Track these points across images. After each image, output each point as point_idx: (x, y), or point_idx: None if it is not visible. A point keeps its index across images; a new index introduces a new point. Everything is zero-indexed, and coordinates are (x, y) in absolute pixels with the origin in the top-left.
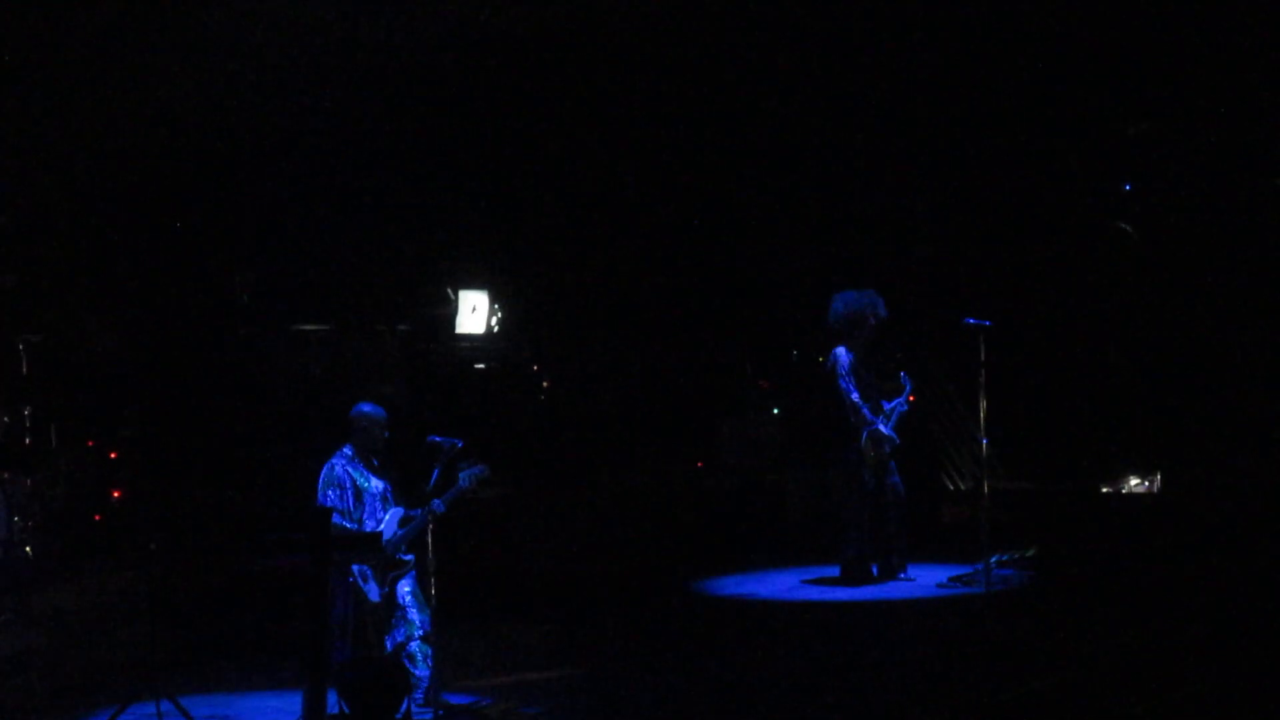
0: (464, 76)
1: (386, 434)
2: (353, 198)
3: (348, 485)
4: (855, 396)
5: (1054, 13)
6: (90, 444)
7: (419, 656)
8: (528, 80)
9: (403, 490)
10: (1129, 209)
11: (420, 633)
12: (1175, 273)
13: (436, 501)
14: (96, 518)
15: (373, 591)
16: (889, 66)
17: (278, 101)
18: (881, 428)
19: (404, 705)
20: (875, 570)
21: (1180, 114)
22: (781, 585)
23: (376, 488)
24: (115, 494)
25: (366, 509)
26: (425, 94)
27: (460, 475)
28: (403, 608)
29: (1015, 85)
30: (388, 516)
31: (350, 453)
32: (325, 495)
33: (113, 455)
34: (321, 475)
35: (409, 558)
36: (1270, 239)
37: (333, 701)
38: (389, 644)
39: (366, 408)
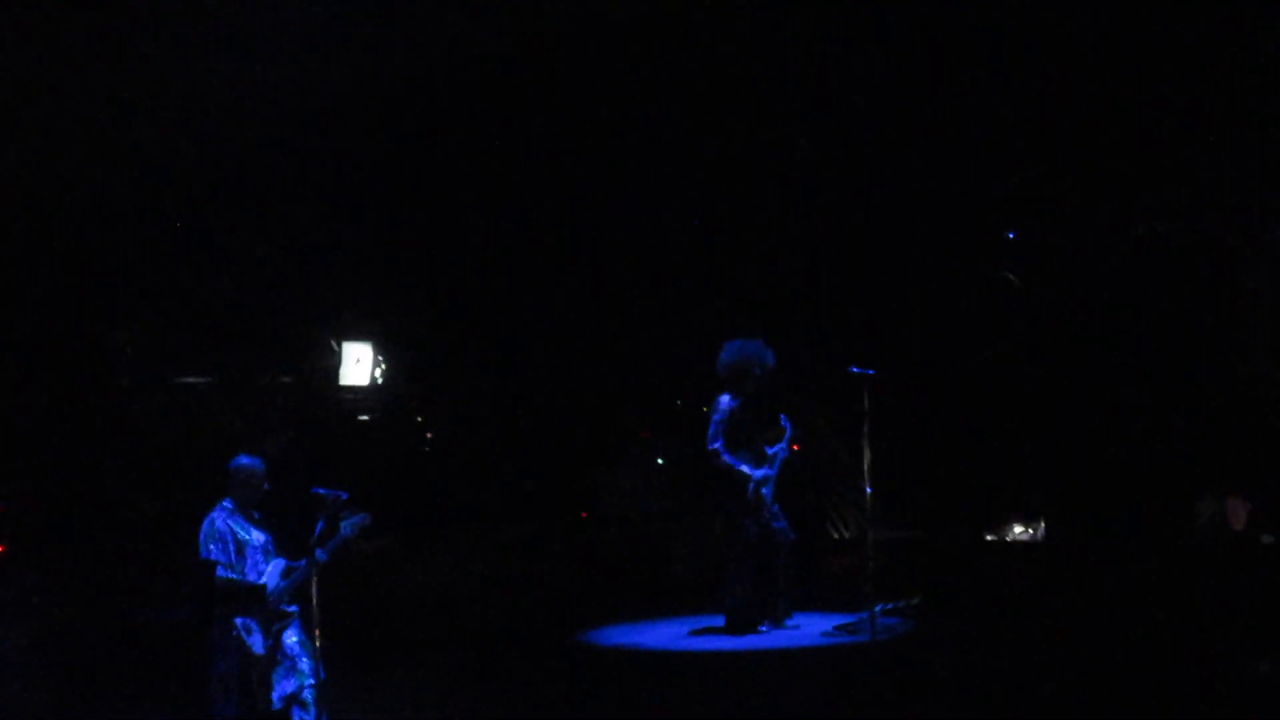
0: (344, 126)
1: (266, 486)
2: (235, 249)
3: (229, 539)
4: (717, 445)
5: (938, 62)
6: None
7: (310, 704)
8: (408, 129)
9: (286, 541)
10: (1013, 258)
11: (311, 681)
12: (1059, 321)
13: (319, 551)
14: None
15: (257, 644)
16: (773, 116)
17: (156, 152)
18: (763, 473)
19: None
20: (761, 619)
21: (1064, 161)
22: (667, 635)
23: (257, 540)
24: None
25: (248, 561)
26: (305, 145)
27: (342, 525)
28: (291, 657)
29: (899, 132)
30: (270, 568)
31: (230, 505)
32: (207, 549)
33: None
34: (202, 529)
35: (293, 609)
36: (1151, 285)
37: None
38: (276, 696)
39: (245, 460)
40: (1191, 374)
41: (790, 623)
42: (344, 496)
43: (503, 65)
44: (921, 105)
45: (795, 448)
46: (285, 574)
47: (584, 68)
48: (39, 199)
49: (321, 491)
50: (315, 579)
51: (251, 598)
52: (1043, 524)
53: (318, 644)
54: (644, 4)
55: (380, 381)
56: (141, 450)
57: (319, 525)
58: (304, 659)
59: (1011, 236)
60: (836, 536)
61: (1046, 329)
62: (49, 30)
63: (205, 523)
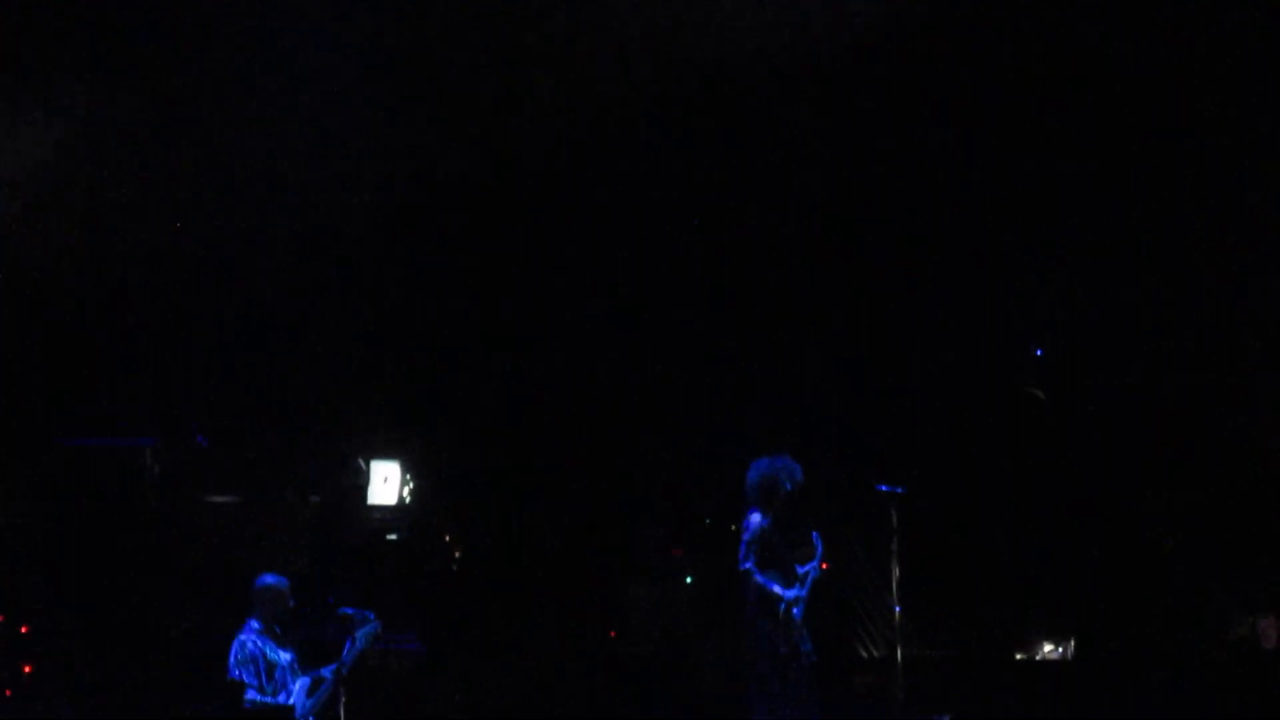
0: (372, 244)
1: (291, 603)
2: (263, 367)
3: (260, 660)
4: (749, 565)
5: (962, 168)
6: (1, 619)
7: None
8: (435, 250)
9: (311, 655)
10: (1041, 374)
11: None
12: (1087, 438)
13: (336, 665)
14: (8, 692)
15: None
16: (795, 225)
17: (179, 272)
18: (794, 593)
19: None
20: None
21: (1093, 279)
22: None
23: (285, 659)
24: (26, 669)
25: (276, 681)
26: (332, 264)
27: (357, 634)
28: None
29: (923, 248)
30: (296, 686)
31: (258, 625)
32: (237, 671)
33: (24, 630)
34: (233, 651)
35: None
36: (1176, 404)
37: None
38: None
39: (270, 579)
40: (1223, 492)
41: None
42: (371, 616)
43: (521, 188)
44: (948, 215)
45: (825, 566)
46: (310, 691)
47: (594, 194)
48: (73, 322)
49: (349, 611)
50: (342, 698)
51: (278, 719)
52: (1073, 642)
53: None
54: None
55: (408, 500)
56: (171, 569)
57: (347, 644)
58: None
59: (1040, 353)
60: (865, 655)
61: (1075, 445)
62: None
63: (235, 644)
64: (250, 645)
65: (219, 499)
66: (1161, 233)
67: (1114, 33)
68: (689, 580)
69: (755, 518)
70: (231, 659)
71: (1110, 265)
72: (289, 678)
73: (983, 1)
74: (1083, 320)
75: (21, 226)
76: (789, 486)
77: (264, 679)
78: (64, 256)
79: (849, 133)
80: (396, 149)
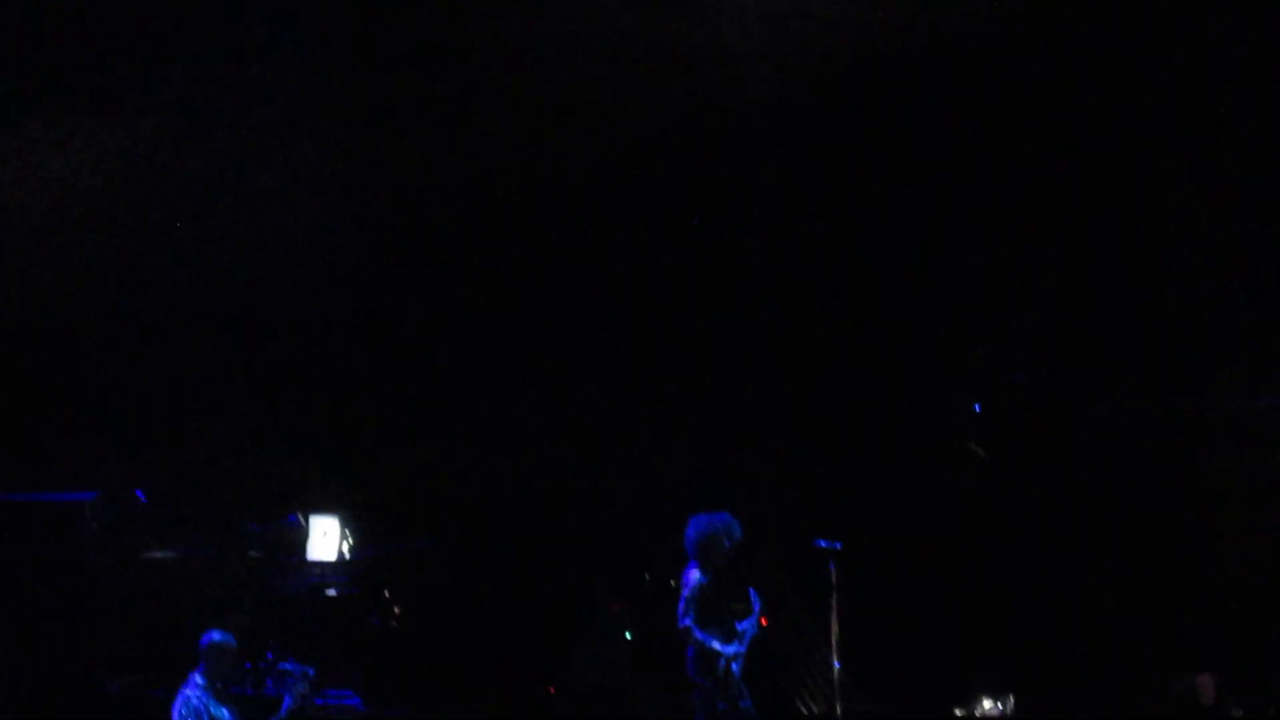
0: (311, 297)
1: (236, 659)
2: (198, 422)
3: (204, 716)
4: (688, 622)
5: (906, 228)
6: None
7: None
8: (375, 302)
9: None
10: (979, 429)
11: None
12: (1027, 494)
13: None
14: None
15: None
16: (736, 280)
17: (118, 326)
18: (733, 650)
19: None
20: None
21: (1033, 335)
22: None
23: (227, 716)
24: None
25: None
26: (272, 319)
27: (295, 690)
28: None
29: (863, 300)
30: None
31: (202, 681)
32: None
33: None
34: (176, 706)
35: None
36: (1119, 458)
37: None
38: None
39: (217, 636)
40: (1159, 550)
41: None
42: (311, 672)
43: (459, 238)
44: (890, 272)
45: (765, 623)
46: None
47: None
48: (10, 376)
49: (288, 666)
50: None
51: None
52: (1012, 699)
53: None
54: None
55: (348, 555)
56: (108, 625)
57: (286, 700)
58: None
59: (978, 409)
60: (805, 712)
61: (1014, 502)
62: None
63: (179, 699)
64: (195, 700)
65: (157, 554)
66: (1099, 286)
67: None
68: (628, 636)
69: (694, 574)
70: (175, 715)
71: (1052, 320)
72: None
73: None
74: (1022, 377)
75: None
76: (728, 543)
77: None
78: (1, 311)
79: (784, 193)
80: (336, 198)
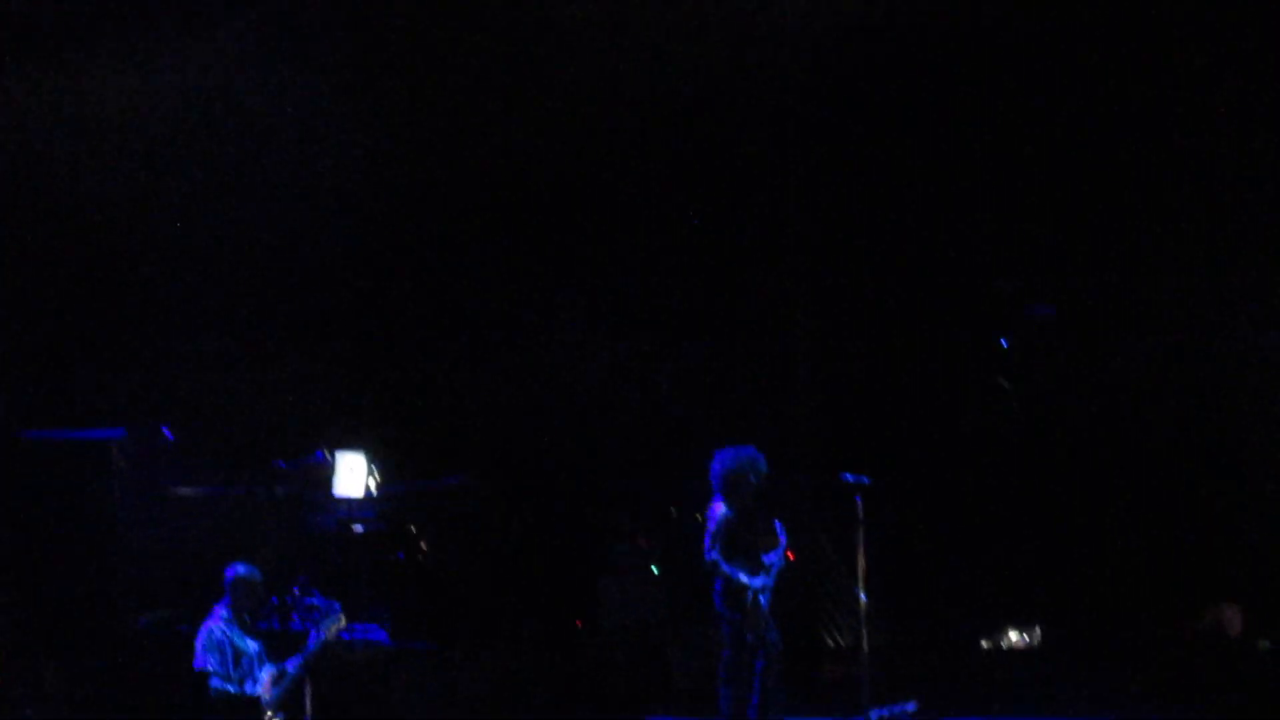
0: (340, 236)
1: (262, 592)
2: (229, 360)
3: (227, 649)
4: (715, 555)
5: (923, 165)
6: None
7: None
8: (404, 242)
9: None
10: (1006, 365)
11: None
12: (1051, 427)
13: (301, 655)
14: None
15: None
16: (760, 219)
17: (147, 266)
18: (761, 582)
19: None
20: None
21: (1062, 269)
22: None
23: (252, 649)
24: None
25: (243, 670)
26: (301, 258)
27: (322, 625)
28: None
29: (888, 238)
30: (262, 674)
31: (227, 614)
32: (204, 659)
33: None
34: (199, 637)
35: (281, 716)
36: (1150, 389)
37: None
38: None
39: (242, 569)
40: (1186, 482)
41: None
42: (337, 607)
43: (490, 184)
44: (916, 209)
45: (791, 556)
46: (275, 681)
47: (560, 189)
48: (40, 315)
49: (315, 602)
50: (308, 688)
51: (245, 709)
52: (1039, 630)
53: None
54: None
55: (374, 492)
56: (137, 562)
57: (312, 635)
58: None
59: (1005, 344)
60: (831, 644)
61: (1040, 435)
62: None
63: (202, 632)
64: (218, 632)
65: (185, 492)
66: (1134, 217)
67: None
68: (655, 570)
69: (720, 508)
70: (198, 645)
71: (1079, 257)
72: (255, 667)
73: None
74: (1050, 310)
75: None
76: (753, 478)
77: (230, 667)
78: (29, 249)
79: (810, 130)
80: (367, 143)
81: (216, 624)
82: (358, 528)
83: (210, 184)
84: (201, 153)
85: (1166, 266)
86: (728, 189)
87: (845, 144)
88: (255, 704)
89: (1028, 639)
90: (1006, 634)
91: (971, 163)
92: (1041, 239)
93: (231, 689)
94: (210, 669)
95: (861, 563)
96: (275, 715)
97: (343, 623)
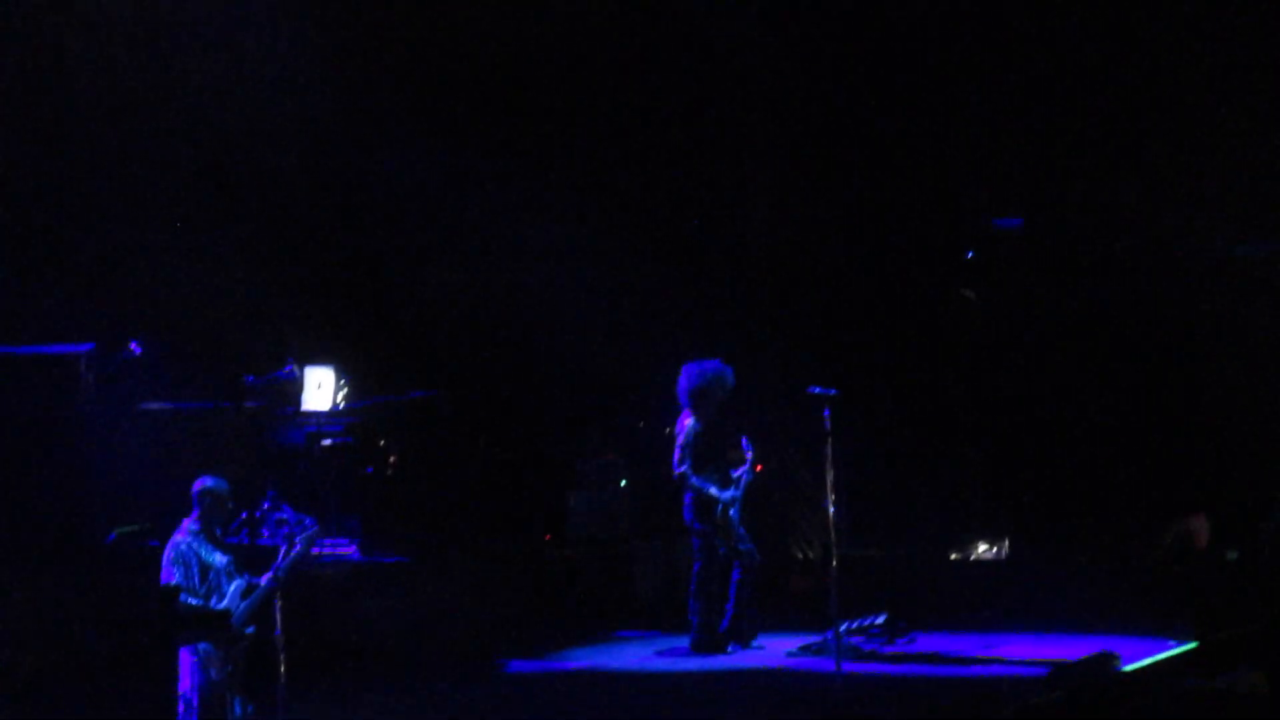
0: (306, 147)
1: (230, 505)
2: (197, 273)
3: (193, 562)
4: (685, 469)
5: (894, 73)
6: None
7: None
8: (369, 151)
9: (245, 564)
10: (972, 276)
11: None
12: (1019, 340)
13: (278, 571)
14: None
15: (214, 670)
16: (731, 133)
17: (115, 176)
18: (730, 495)
19: None
20: (727, 640)
21: (1022, 179)
22: (634, 657)
23: (220, 562)
24: None
25: (210, 584)
26: (266, 167)
27: (295, 539)
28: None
29: (857, 148)
30: (231, 589)
31: (195, 528)
32: (170, 572)
33: None
34: (166, 552)
35: (250, 630)
36: (1115, 300)
37: None
38: None
39: (210, 481)
40: (1153, 394)
41: (756, 643)
42: (308, 521)
43: (464, 88)
44: (886, 119)
45: (759, 469)
46: (245, 594)
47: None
48: (6, 227)
49: (286, 516)
50: (279, 603)
51: (214, 623)
52: (1007, 543)
53: (282, 668)
54: None
55: (342, 406)
56: (105, 476)
57: (282, 548)
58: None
59: (970, 255)
60: (800, 557)
61: (1006, 347)
62: None
63: (169, 546)
64: (183, 546)
65: (153, 406)
66: (1098, 118)
67: None
68: (623, 483)
69: (689, 422)
70: (164, 559)
71: (1045, 164)
72: (224, 581)
73: None
74: (1016, 222)
75: None
76: (721, 391)
77: (196, 580)
78: None
79: (782, 34)
80: (334, 43)
81: (183, 537)
82: (326, 442)
83: (179, 89)
84: (165, 57)
85: (1135, 177)
86: (697, 92)
87: (817, 51)
88: (224, 618)
89: (996, 551)
90: (975, 546)
91: (941, 71)
92: (1011, 150)
93: (196, 603)
94: (176, 583)
95: (830, 475)
96: (244, 629)
97: (317, 537)
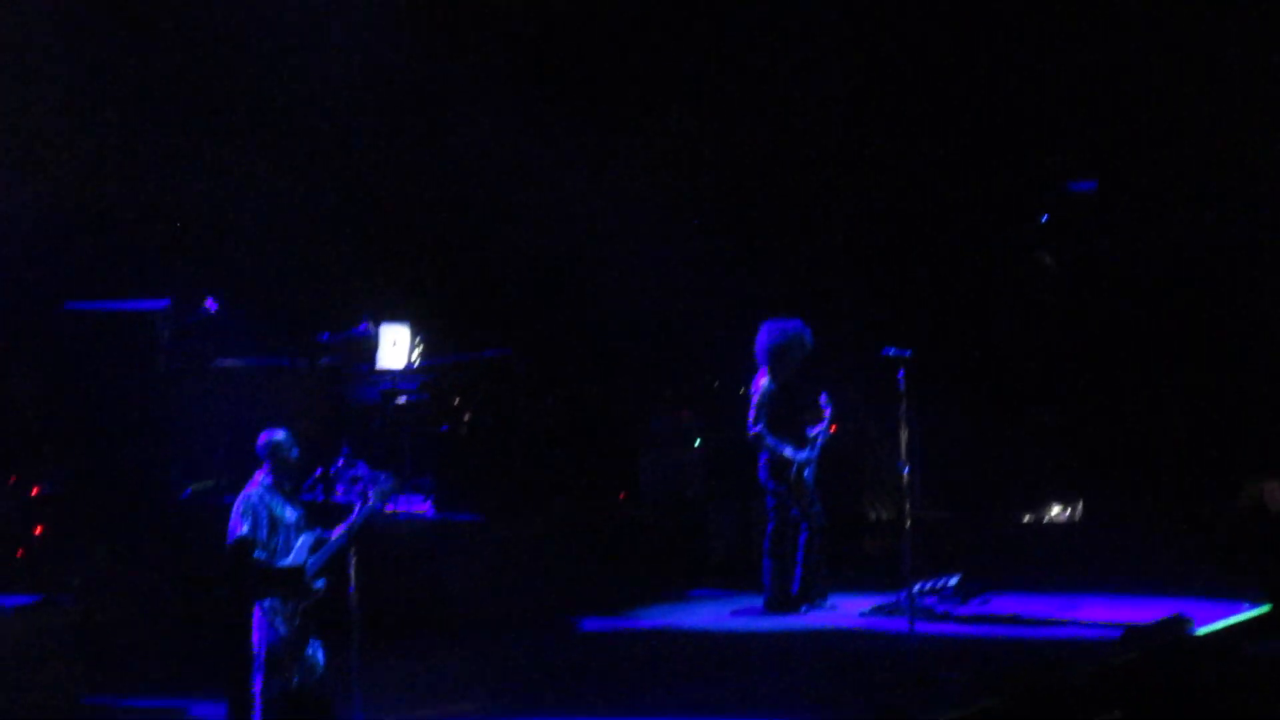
0: (385, 107)
1: (294, 453)
2: (273, 230)
3: (263, 516)
4: (760, 428)
5: (964, 46)
6: (12, 480)
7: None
8: (449, 113)
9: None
10: (1048, 240)
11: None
12: (1093, 303)
13: (349, 523)
14: (19, 552)
15: (280, 625)
16: (806, 95)
17: (193, 133)
18: (805, 455)
19: None
20: (801, 601)
21: (1098, 144)
22: (708, 616)
23: (291, 517)
24: (38, 530)
25: (280, 538)
26: (346, 127)
27: (369, 494)
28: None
29: (933, 112)
30: (299, 543)
31: (269, 481)
32: (239, 523)
33: (34, 491)
34: (237, 505)
35: (320, 585)
36: (1194, 265)
37: None
38: (295, 677)
39: (278, 434)
40: (1232, 355)
41: (829, 604)
42: (383, 478)
43: (540, 53)
44: (957, 86)
45: (834, 429)
46: (315, 548)
47: (603, 64)
48: (83, 184)
49: (362, 473)
50: (352, 558)
51: (287, 579)
52: (1081, 505)
53: (356, 622)
54: None
55: (417, 364)
56: (180, 433)
57: (358, 504)
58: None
59: (1045, 219)
60: (874, 518)
61: (1083, 309)
62: None
63: (240, 498)
64: (254, 498)
65: (229, 363)
66: (1175, 97)
67: None
68: (698, 443)
69: (764, 381)
70: (234, 510)
71: (1128, 129)
72: (293, 536)
73: None
74: (1091, 186)
75: (32, 91)
76: (799, 351)
77: (265, 533)
78: (76, 120)
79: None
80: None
81: (255, 489)
82: (400, 399)
83: (256, 47)
84: (242, 14)
85: (1211, 141)
86: (774, 50)
87: (897, 9)
88: (297, 574)
89: (1069, 513)
90: (1048, 508)
91: (1019, 32)
92: (1087, 113)
93: (264, 555)
94: (244, 535)
95: (904, 436)
96: (315, 582)
97: (393, 490)
